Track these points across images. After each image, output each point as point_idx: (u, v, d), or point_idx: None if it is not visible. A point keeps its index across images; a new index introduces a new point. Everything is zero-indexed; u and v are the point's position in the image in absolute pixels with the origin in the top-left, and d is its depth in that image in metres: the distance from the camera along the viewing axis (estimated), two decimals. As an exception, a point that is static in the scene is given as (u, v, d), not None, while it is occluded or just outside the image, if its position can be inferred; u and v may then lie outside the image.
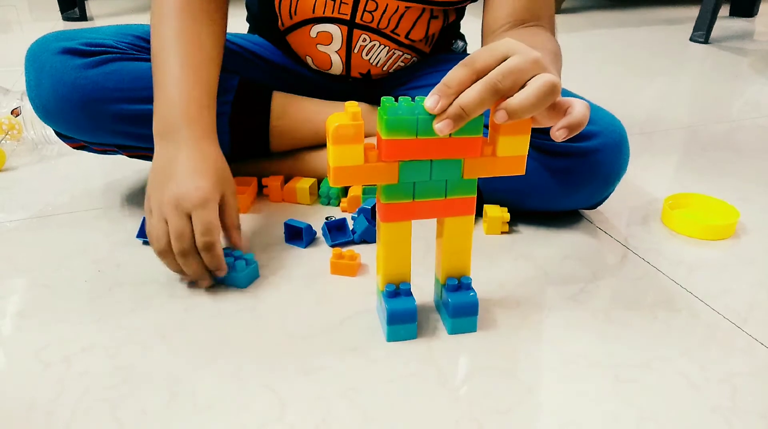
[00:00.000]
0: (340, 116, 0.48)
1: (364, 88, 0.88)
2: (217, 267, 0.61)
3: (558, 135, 0.49)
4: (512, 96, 0.47)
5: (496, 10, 0.76)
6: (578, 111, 0.49)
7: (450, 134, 0.49)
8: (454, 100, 0.47)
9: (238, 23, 1.06)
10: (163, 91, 0.66)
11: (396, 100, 0.49)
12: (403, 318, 0.55)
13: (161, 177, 0.62)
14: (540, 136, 0.69)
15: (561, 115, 0.50)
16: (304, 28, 0.81)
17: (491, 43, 0.48)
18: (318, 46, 0.82)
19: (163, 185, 0.61)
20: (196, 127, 0.64)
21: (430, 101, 0.47)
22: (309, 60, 0.85)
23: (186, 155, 0.62)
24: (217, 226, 0.61)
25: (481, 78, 0.47)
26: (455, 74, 0.47)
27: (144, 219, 0.72)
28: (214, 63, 0.69)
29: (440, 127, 0.47)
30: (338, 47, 0.82)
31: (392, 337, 0.56)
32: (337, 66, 0.84)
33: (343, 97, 0.87)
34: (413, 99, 0.49)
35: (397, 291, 0.55)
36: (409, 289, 0.55)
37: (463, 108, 0.46)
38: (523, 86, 0.47)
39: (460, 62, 0.47)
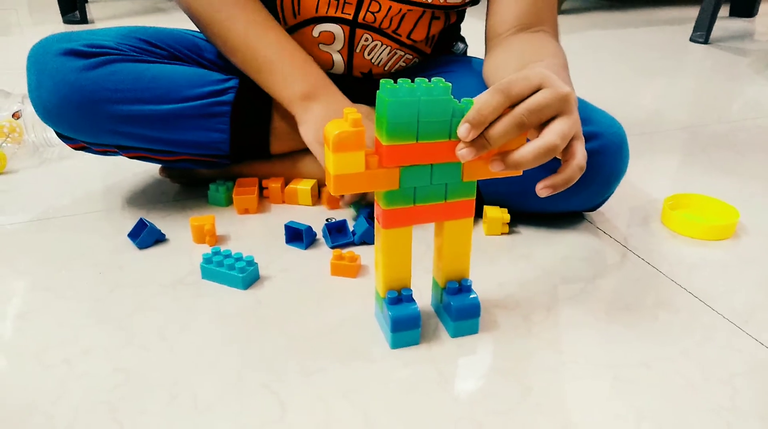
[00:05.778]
0: (340, 123, 0.48)
1: (366, 87, 0.88)
2: None
3: (541, 193, 0.51)
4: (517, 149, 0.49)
5: (501, 14, 0.76)
6: (571, 168, 0.50)
7: (449, 137, 0.49)
8: (484, 128, 0.48)
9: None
10: (274, 67, 0.75)
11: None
12: (407, 324, 0.54)
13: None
14: None
15: (565, 154, 0.51)
16: (307, 28, 0.81)
17: (527, 72, 0.50)
18: (320, 45, 0.82)
19: None
20: (329, 87, 0.77)
21: (463, 131, 0.48)
22: (310, 60, 0.85)
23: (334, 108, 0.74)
24: None
25: (513, 105, 0.48)
26: (490, 102, 0.48)
27: (140, 220, 0.72)
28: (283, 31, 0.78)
29: (463, 153, 0.48)
30: (340, 47, 0.82)
31: (396, 344, 0.55)
32: (338, 66, 0.85)
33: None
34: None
35: (399, 297, 0.55)
36: (411, 294, 0.55)
37: (487, 139, 0.48)
38: (545, 124, 0.49)
39: (496, 86, 0.48)
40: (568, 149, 0.51)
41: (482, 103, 0.48)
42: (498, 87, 0.48)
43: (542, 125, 0.50)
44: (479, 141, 0.48)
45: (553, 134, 0.48)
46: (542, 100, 0.48)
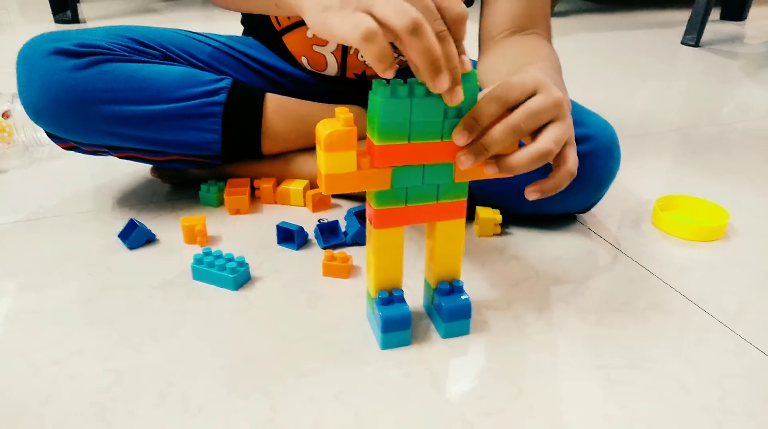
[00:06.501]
0: (332, 122, 0.48)
1: (359, 89, 0.88)
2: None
3: (530, 197, 0.52)
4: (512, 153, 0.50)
5: (495, 16, 0.76)
6: (561, 174, 0.51)
7: (441, 138, 0.49)
8: (480, 134, 0.48)
9: (233, 25, 1.06)
10: None
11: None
12: (397, 325, 0.54)
13: None
14: None
15: (556, 160, 0.52)
16: (301, 29, 0.81)
17: (522, 76, 0.50)
18: (314, 46, 0.82)
19: None
20: None
21: (459, 138, 0.48)
22: (304, 61, 0.85)
23: None
24: None
25: (508, 111, 0.49)
26: (487, 110, 0.48)
27: (130, 220, 0.72)
28: None
29: (463, 160, 0.49)
30: (334, 48, 0.82)
31: (387, 344, 0.55)
32: (332, 67, 0.84)
33: (337, 99, 0.87)
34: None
35: (390, 297, 0.54)
36: (402, 295, 0.55)
37: (485, 146, 0.48)
38: (539, 129, 0.50)
39: (492, 93, 0.49)
40: (559, 155, 0.51)
41: (478, 110, 0.48)
42: (494, 94, 0.48)
43: (536, 130, 0.50)
44: (476, 147, 0.48)
45: (548, 140, 0.49)
46: (538, 106, 0.48)
